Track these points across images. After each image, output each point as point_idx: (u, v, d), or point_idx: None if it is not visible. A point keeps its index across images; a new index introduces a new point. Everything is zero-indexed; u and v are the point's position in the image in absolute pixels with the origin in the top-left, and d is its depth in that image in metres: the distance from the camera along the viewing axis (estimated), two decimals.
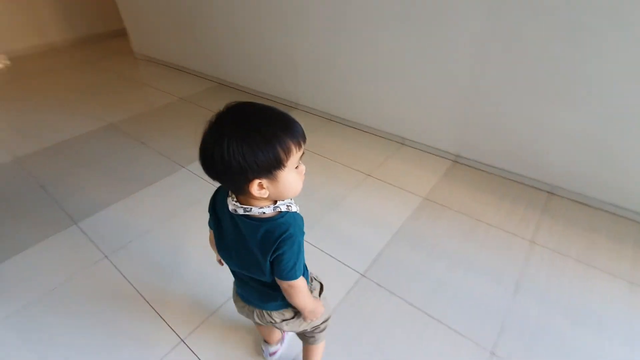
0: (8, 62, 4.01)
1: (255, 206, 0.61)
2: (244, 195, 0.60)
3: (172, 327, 1.16)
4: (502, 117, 1.69)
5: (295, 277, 0.66)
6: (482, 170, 1.90)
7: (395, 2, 1.73)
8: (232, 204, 0.62)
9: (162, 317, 1.20)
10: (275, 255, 0.63)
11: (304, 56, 2.30)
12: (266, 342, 1.06)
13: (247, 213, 0.61)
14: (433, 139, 2.01)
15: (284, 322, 0.80)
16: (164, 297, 1.26)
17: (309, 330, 0.86)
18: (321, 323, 0.86)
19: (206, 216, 0.73)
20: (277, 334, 1.04)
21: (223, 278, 1.29)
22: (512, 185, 1.80)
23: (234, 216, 0.64)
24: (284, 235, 0.61)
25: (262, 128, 0.54)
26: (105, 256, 1.42)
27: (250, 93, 2.89)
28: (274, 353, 1.06)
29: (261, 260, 0.64)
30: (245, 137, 0.53)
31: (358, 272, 1.35)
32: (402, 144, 2.15)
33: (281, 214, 0.63)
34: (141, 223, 1.59)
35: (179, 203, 1.71)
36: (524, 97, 1.58)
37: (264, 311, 0.79)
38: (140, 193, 1.79)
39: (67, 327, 1.18)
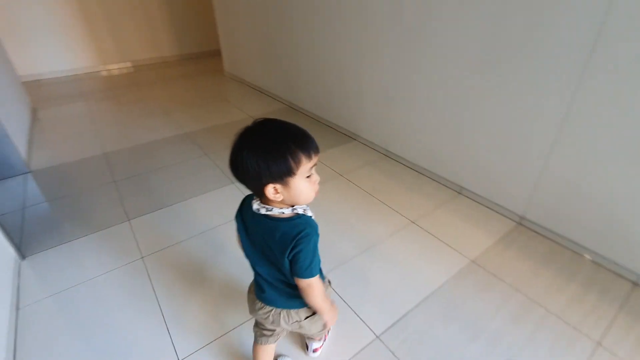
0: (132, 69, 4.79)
1: (276, 207, 0.70)
2: (263, 197, 0.70)
3: (175, 344, 1.17)
4: (592, 186, 1.41)
5: (312, 275, 0.73)
6: (551, 240, 1.60)
7: (476, 44, 1.60)
8: (256, 204, 0.72)
9: (169, 331, 1.22)
10: (293, 254, 0.70)
11: (370, 89, 2.26)
12: (309, 337, 1.10)
13: (268, 213, 0.71)
14: (496, 193, 1.77)
15: (297, 323, 0.86)
16: (179, 310, 1.29)
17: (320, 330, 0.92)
18: (319, 331, 0.92)
19: None
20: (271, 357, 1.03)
21: (240, 303, 1.29)
22: (587, 265, 1.47)
23: (257, 216, 0.72)
24: (301, 234, 0.68)
25: (278, 140, 0.64)
26: (142, 257, 1.52)
27: (313, 118, 2.95)
28: (317, 349, 1.11)
29: (279, 259, 0.71)
30: (260, 148, 0.63)
31: (374, 332, 1.21)
32: (459, 193, 1.94)
33: (298, 215, 0.71)
34: (182, 231, 1.68)
35: (220, 217, 1.77)
36: (626, 167, 1.29)
37: (283, 310, 0.84)
38: (190, 201, 1.90)
39: (69, 328, 1.26)
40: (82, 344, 1.18)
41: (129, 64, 5.00)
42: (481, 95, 1.65)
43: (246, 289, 0.97)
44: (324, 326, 0.89)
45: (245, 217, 0.78)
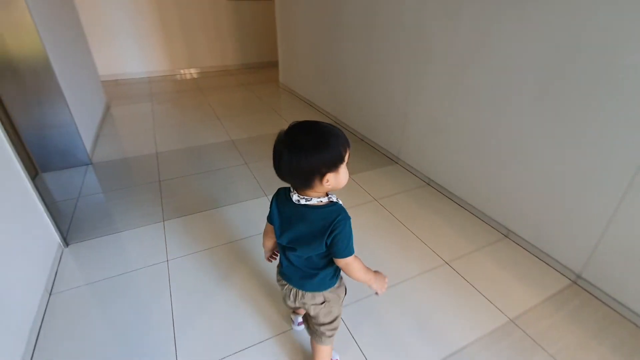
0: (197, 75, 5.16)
1: (315, 197, 0.80)
2: (309, 189, 0.79)
3: (177, 353, 1.17)
4: None
5: (351, 254, 0.83)
6: (610, 307, 1.35)
7: (535, 83, 1.43)
8: (295, 196, 0.81)
9: (176, 346, 1.21)
10: (332, 237, 0.79)
11: (418, 116, 2.15)
12: (296, 313, 1.25)
13: (307, 203, 0.80)
14: (549, 243, 1.55)
15: (313, 306, 0.94)
16: (189, 323, 1.29)
17: (324, 324, 0.98)
18: (330, 322, 0.98)
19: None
20: None
21: (249, 323, 1.26)
22: None
23: (297, 206, 0.81)
24: (339, 218, 0.79)
25: (324, 136, 0.74)
26: (167, 260, 1.57)
27: (357, 135, 2.89)
28: (301, 323, 1.24)
29: (318, 242, 0.81)
30: (313, 147, 0.73)
31: None
32: (505, 236, 1.74)
33: (332, 202, 0.82)
34: (209, 238, 1.71)
35: (248, 229, 1.77)
36: None
37: (299, 291, 0.93)
38: (223, 209, 1.94)
39: (75, 326, 1.31)
40: (103, 335, 1.23)
41: (195, 70, 5.38)
42: (540, 138, 1.46)
43: (264, 306, 1.24)
44: (335, 319, 0.99)
45: (282, 208, 0.87)
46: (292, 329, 1.27)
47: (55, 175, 2.31)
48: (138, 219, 1.85)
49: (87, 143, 2.51)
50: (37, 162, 2.29)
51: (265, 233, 1.01)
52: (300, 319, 1.24)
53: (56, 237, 1.60)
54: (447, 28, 1.77)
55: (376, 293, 0.94)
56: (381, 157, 2.56)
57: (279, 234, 0.89)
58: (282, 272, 0.97)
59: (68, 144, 2.32)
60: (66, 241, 1.66)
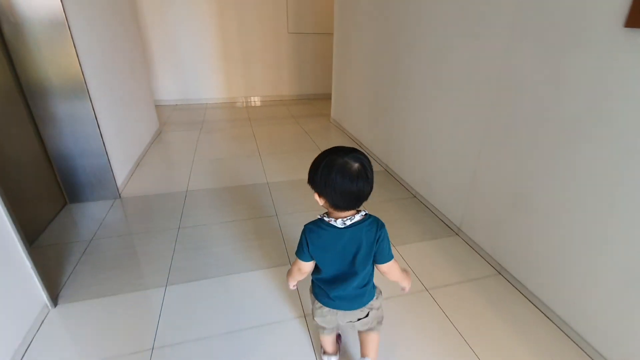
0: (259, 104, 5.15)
1: (356, 214, 0.86)
2: (354, 210, 0.87)
3: None
4: None
5: (393, 256, 0.92)
6: None
7: None
8: (340, 221, 0.85)
9: None
10: (378, 244, 0.88)
11: (490, 185, 1.68)
12: (327, 353, 1.18)
13: (353, 221, 0.85)
14: None
15: (360, 321, 1.00)
16: None
17: (378, 323, 1.07)
18: (380, 321, 1.07)
19: None
20: (336, 344, 1.19)
21: None
22: None
23: (341, 231, 0.86)
24: (379, 225, 0.89)
25: (364, 162, 0.82)
26: (152, 348, 1.26)
27: (408, 189, 2.44)
28: None
29: (368, 254, 0.88)
30: (365, 172, 0.81)
31: None
32: None
33: (367, 215, 0.89)
34: (208, 321, 1.38)
35: (258, 313, 1.42)
36: None
37: (360, 306, 0.98)
38: (235, 277, 1.62)
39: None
40: None
41: (250, 99, 5.39)
42: None
43: None
44: (407, 289, 1.04)
45: (326, 244, 0.89)
46: None
47: (81, 207, 2.20)
48: (140, 278, 1.60)
49: (121, 175, 2.41)
50: (67, 192, 2.21)
51: (299, 272, 0.98)
52: (334, 358, 1.18)
53: (42, 296, 1.39)
54: (550, 79, 1.32)
55: (403, 289, 1.04)
56: (437, 223, 2.08)
57: (328, 269, 0.92)
58: (334, 305, 0.98)
59: (98, 176, 2.22)
60: (56, 300, 1.45)
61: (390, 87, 2.59)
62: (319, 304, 1.00)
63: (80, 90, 1.97)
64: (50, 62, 1.86)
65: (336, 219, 0.86)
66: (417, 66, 2.20)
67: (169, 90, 5.05)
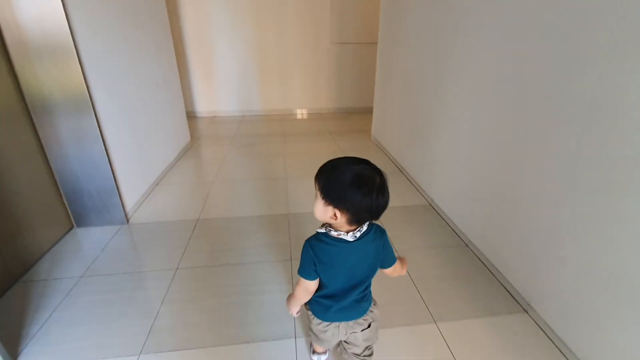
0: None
1: (363, 225, 0.84)
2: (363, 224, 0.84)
3: None
4: None
5: (396, 258, 0.95)
6: None
7: None
8: (350, 235, 0.82)
9: None
10: (384, 248, 0.89)
11: (575, 234, 1.17)
12: (317, 352, 1.19)
13: (362, 232, 0.83)
14: None
15: (362, 332, 0.97)
16: None
17: (372, 344, 1.04)
18: (376, 339, 1.04)
19: None
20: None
21: None
22: None
23: (351, 245, 0.82)
24: (381, 232, 0.89)
25: (382, 176, 0.81)
26: None
27: (460, 237, 1.95)
28: None
29: (376, 260, 0.88)
30: (385, 186, 0.81)
31: None
32: None
33: (369, 224, 0.86)
34: None
35: None
36: None
37: (349, 324, 0.96)
38: (230, 349, 1.28)
39: None
40: None
41: (287, 112, 5.16)
42: None
43: None
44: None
45: (333, 260, 0.84)
46: None
47: (86, 233, 2.03)
48: (115, 338, 1.32)
49: (132, 198, 2.22)
50: (74, 215, 2.06)
51: (306, 293, 0.91)
52: (324, 357, 1.20)
53: None
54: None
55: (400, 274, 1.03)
56: (498, 290, 1.58)
57: (335, 283, 0.88)
58: (338, 318, 0.95)
59: (104, 200, 2.04)
60: (16, 357, 1.22)
61: (434, 112, 2.14)
62: (319, 321, 0.96)
63: (84, 106, 1.79)
64: (53, 76, 1.70)
65: (346, 232, 0.82)
66: (464, 95, 1.74)
67: (207, 102, 4.98)
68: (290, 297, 0.97)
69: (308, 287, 0.89)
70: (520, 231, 1.46)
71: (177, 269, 1.72)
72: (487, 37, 1.62)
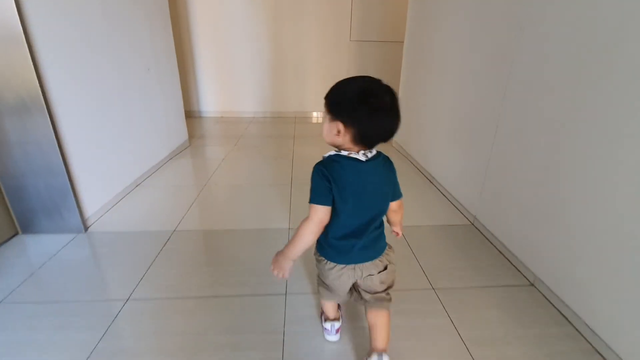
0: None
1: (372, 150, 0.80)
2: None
3: None
4: None
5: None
6: None
7: None
8: (362, 154, 0.77)
9: None
10: (393, 179, 0.86)
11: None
12: (330, 319, 1.06)
13: (372, 154, 0.79)
14: None
15: (378, 275, 0.89)
16: None
17: (390, 287, 0.93)
18: (393, 283, 0.95)
19: None
20: (338, 310, 1.10)
21: None
22: None
23: (364, 165, 0.77)
24: (390, 160, 0.85)
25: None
26: None
27: (524, 274, 1.40)
28: (339, 329, 1.07)
29: (389, 189, 0.85)
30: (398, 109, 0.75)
31: None
32: None
33: (377, 152, 0.81)
34: None
35: None
36: None
37: (364, 267, 0.87)
38: None
39: None
40: None
41: (299, 114, 4.72)
42: None
43: None
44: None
45: (347, 182, 0.77)
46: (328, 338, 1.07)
47: (32, 241, 1.60)
48: None
49: (96, 201, 1.79)
50: (18, 219, 1.63)
51: (320, 224, 0.80)
52: (337, 325, 1.07)
53: None
54: None
55: (397, 233, 1.01)
56: (576, 341, 1.03)
57: (360, 208, 0.80)
58: (354, 260, 0.86)
59: (56, 201, 1.60)
60: None
61: (484, 116, 1.62)
62: (332, 265, 0.88)
63: (34, 96, 1.38)
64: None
65: (357, 152, 0.78)
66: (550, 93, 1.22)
67: (215, 101, 4.60)
68: (279, 253, 0.86)
69: (322, 219, 0.79)
70: (590, 265, 0.91)
71: (127, 299, 1.24)
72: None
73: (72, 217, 1.64)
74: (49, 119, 1.44)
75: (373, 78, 0.76)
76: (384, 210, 0.87)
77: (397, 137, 3.23)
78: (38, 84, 1.39)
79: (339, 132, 0.74)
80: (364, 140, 0.75)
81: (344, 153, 0.77)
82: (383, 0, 4.22)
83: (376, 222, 0.85)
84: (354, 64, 4.51)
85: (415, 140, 2.78)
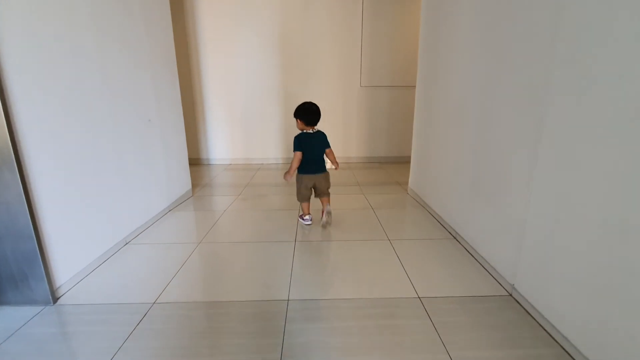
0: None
1: (315, 128, 2.19)
2: (315, 126, 2.19)
3: None
4: None
5: (330, 145, 2.27)
6: None
7: None
8: (311, 130, 2.17)
9: None
10: (326, 141, 2.22)
11: None
12: (306, 214, 2.31)
13: (315, 131, 2.18)
14: None
15: (325, 180, 2.24)
16: None
17: (329, 187, 2.29)
18: (330, 184, 2.32)
19: None
20: (309, 209, 2.35)
21: None
22: None
23: (315, 134, 2.17)
24: (323, 133, 2.22)
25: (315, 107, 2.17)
26: None
27: (562, 345, 1.07)
28: (311, 219, 2.32)
29: (323, 144, 2.20)
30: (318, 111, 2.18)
31: None
32: None
33: (317, 130, 2.20)
34: None
35: None
36: None
37: (321, 175, 2.21)
38: None
39: None
40: None
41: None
42: None
43: None
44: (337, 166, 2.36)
45: (308, 141, 2.14)
46: (305, 224, 2.30)
47: None
48: None
49: (70, 267, 1.58)
50: None
51: (298, 159, 2.13)
52: (309, 217, 2.30)
53: None
54: None
55: (334, 167, 2.30)
56: None
57: (311, 150, 2.15)
58: (311, 171, 2.19)
59: (24, 269, 1.41)
60: None
61: (509, 163, 1.40)
62: (304, 176, 2.20)
63: (3, 149, 1.25)
64: None
65: (307, 130, 2.14)
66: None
67: (224, 148, 4.55)
68: (286, 173, 2.15)
69: (298, 156, 2.12)
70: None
71: None
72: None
73: (40, 286, 1.43)
74: (18, 176, 1.29)
75: (310, 102, 2.16)
76: (322, 152, 2.19)
77: (412, 184, 3.00)
78: (8, 136, 1.26)
79: (298, 122, 2.14)
80: (307, 124, 2.13)
81: (304, 132, 2.14)
82: (391, 47, 4.23)
83: (321, 157, 2.19)
84: (364, 107, 4.43)
85: (431, 188, 2.53)
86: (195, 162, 4.52)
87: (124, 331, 1.28)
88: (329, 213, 2.22)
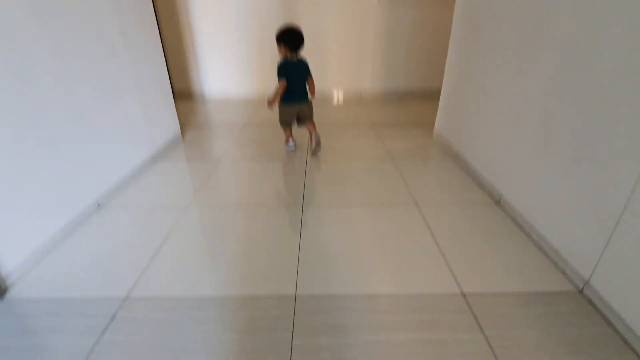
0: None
1: (299, 56, 2.17)
2: (299, 51, 2.14)
3: None
4: None
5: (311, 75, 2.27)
6: None
7: None
8: (295, 58, 2.13)
9: None
10: (309, 69, 2.20)
11: None
12: (289, 138, 2.37)
13: (298, 58, 2.15)
14: None
15: (307, 108, 2.26)
16: None
17: (312, 112, 2.31)
18: (313, 110, 2.35)
19: None
20: (291, 133, 2.39)
21: None
22: None
23: (298, 62, 2.14)
24: (306, 61, 2.19)
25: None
26: None
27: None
28: (294, 143, 2.38)
29: (306, 72, 2.18)
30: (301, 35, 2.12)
31: None
32: None
33: (300, 57, 2.18)
34: None
35: None
36: None
37: (303, 104, 2.23)
38: None
39: None
40: None
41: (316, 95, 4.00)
42: None
43: None
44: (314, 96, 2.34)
45: (292, 67, 2.10)
46: (289, 150, 2.36)
47: None
48: None
49: (18, 251, 1.25)
50: None
51: (282, 87, 2.07)
52: (292, 141, 2.36)
53: None
54: None
55: (312, 97, 2.30)
56: None
57: (295, 78, 2.11)
58: (294, 100, 2.18)
59: None
60: None
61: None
62: (287, 104, 2.19)
63: None
64: None
65: (291, 58, 2.09)
66: None
67: (219, 80, 3.96)
68: (271, 101, 2.08)
69: (283, 84, 2.07)
70: None
71: None
72: None
73: None
74: None
75: (292, 24, 2.11)
76: (305, 81, 2.21)
77: (440, 128, 2.52)
78: None
79: (281, 48, 2.09)
80: (292, 49, 2.09)
81: (288, 59, 2.11)
82: None
83: (303, 86, 2.21)
84: (383, 29, 3.69)
85: (469, 136, 2.07)
86: (187, 96, 3.97)
87: (87, 341, 0.99)
88: (318, 142, 2.24)
